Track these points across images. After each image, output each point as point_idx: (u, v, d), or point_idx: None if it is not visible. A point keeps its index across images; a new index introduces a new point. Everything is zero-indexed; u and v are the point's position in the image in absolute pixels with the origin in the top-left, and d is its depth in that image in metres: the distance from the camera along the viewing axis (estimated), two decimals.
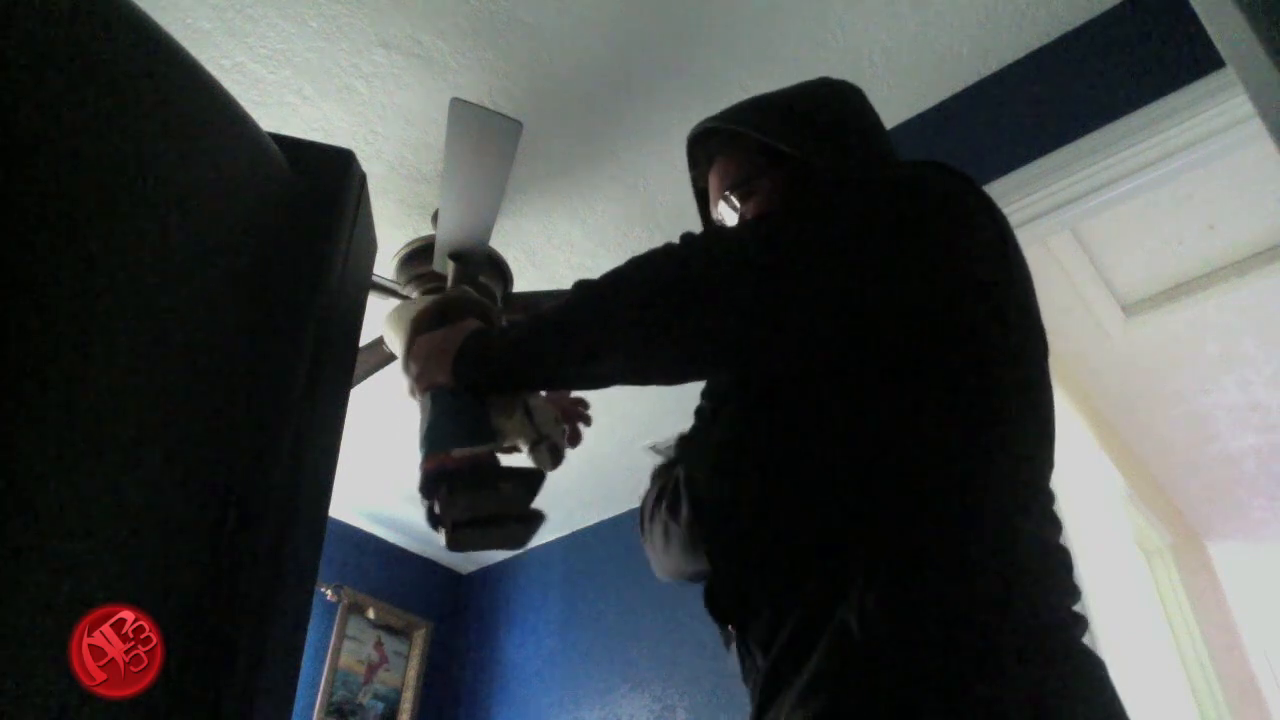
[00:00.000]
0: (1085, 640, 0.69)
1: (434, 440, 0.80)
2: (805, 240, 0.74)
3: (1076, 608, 0.70)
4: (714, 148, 0.97)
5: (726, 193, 0.93)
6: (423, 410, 0.83)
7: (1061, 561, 0.71)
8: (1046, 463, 0.78)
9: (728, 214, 0.93)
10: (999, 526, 0.68)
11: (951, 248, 0.75)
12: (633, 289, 0.77)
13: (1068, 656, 0.65)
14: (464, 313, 0.88)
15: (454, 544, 0.77)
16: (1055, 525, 0.74)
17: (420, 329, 0.87)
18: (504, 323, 0.92)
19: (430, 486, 0.79)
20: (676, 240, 0.80)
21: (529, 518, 0.81)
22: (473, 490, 0.78)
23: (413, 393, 0.86)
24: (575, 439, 0.94)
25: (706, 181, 1.01)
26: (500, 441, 0.84)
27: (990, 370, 0.74)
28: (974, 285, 0.75)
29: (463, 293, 0.93)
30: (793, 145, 0.88)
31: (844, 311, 0.72)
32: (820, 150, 0.87)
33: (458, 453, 0.78)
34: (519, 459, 0.88)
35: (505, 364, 0.81)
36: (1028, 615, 0.64)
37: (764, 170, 0.91)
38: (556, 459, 0.89)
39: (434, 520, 0.79)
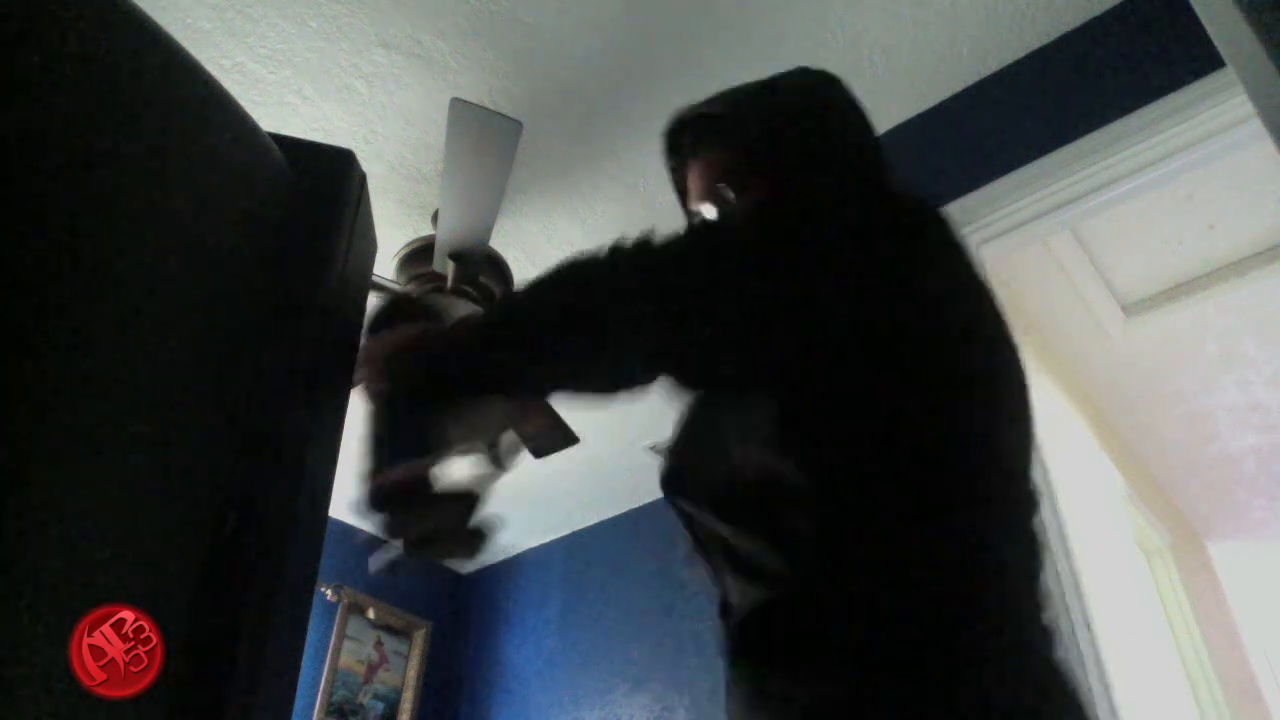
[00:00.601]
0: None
1: (371, 457, 0.78)
2: (760, 258, 0.73)
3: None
4: (697, 137, 0.96)
5: (719, 184, 0.91)
6: (368, 419, 0.81)
7: (1030, 583, 0.71)
8: (1022, 481, 0.77)
9: (710, 210, 0.92)
10: (967, 545, 0.69)
11: (902, 266, 0.74)
12: (561, 303, 0.75)
13: (1041, 677, 0.66)
14: (411, 315, 0.86)
15: (400, 558, 0.77)
16: (1028, 541, 0.74)
17: (368, 332, 0.84)
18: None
19: (369, 506, 0.76)
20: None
21: (469, 536, 0.78)
22: (407, 511, 0.76)
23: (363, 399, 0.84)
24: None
25: (684, 172, 0.99)
26: (443, 452, 0.81)
27: (947, 392, 0.72)
28: (927, 302, 0.74)
29: (407, 294, 0.91)
30: (772, 153, 0.87)
31: (798, 333, 0.71)
32: (800, 160, 0.87)
33: (395, 472, 0.76)
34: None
35: (441, 372, 0.79)
36: (999, 636, 0.65)
37: (748, 169, 0.90)
38: (508, 465, 0.86)
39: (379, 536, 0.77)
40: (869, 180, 0.88)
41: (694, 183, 0.96)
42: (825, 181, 0.85)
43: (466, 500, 0.78)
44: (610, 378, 0.77)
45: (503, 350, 0.77)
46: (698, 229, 0.81)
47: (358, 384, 0.83)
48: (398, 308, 0.87)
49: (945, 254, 0.78)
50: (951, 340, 0.73)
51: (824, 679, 0.65)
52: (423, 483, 0.77)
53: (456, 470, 0.83)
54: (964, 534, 0.69)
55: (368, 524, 0.77)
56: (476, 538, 0.78)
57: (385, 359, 0.79)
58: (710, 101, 0.95)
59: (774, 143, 0.89)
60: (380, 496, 0.76)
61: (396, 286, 2.14)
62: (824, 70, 0.98)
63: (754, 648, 0.71)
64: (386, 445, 0.78)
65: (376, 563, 0.77)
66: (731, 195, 0.90)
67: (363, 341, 0.84)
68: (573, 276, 0.75)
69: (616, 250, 0.76)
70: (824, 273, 0.71)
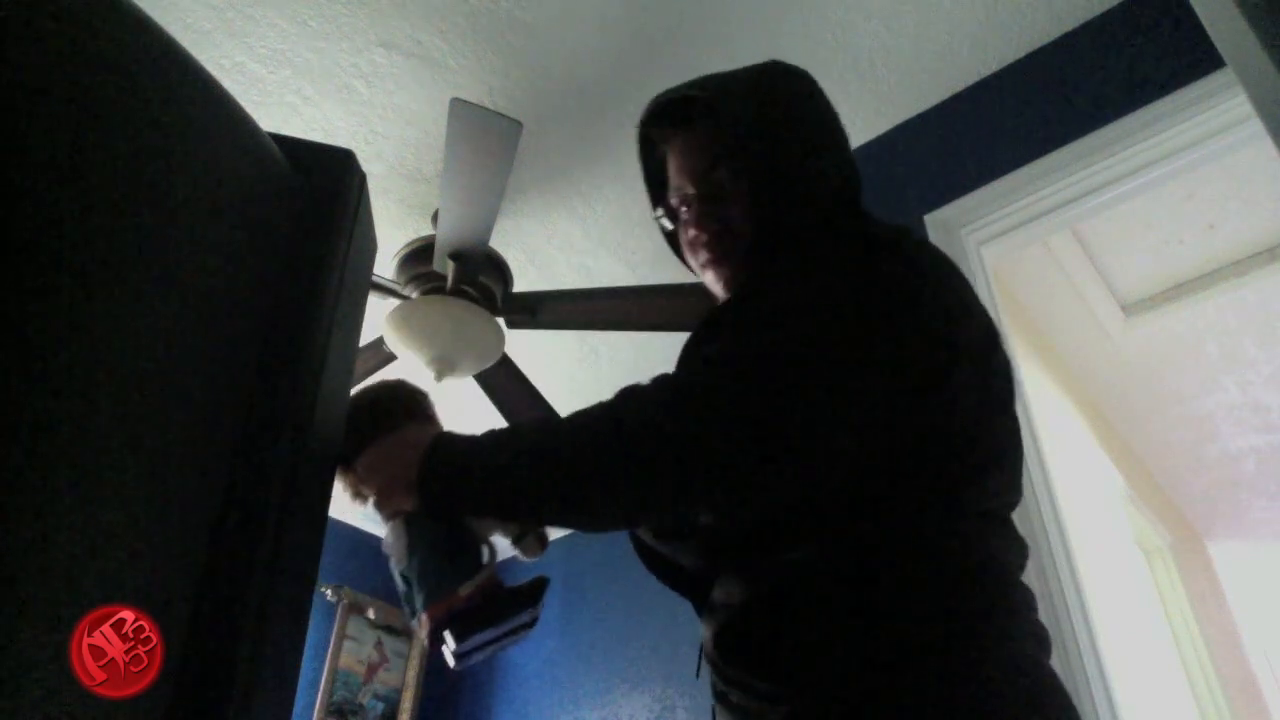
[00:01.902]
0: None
1: (433, 586, 0.78)
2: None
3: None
4: (683, 116, 0.91)
5: (712, 170, 0.87)
6: (396, 537, 0.80)
7: (1025, 601, 0.72)
8: (1009, 474, 0.78)
9: (693, 189, 0.88)
10: (960, 542, 0.69)
11: (910, 299, 0.74)
12: (611, 455, 0.70)
13: (1034, 685, 0.66)
14: (398, 412, 0.83)
15: (464, 665, 0.78)
16: (1012, 537, 0.75)
17: (358, 428, 0.81)
18: (436, 412, 0.87)
19: (442, 631, 0.76)
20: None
21: (536, 619, 0.82)
22: (490, 624, 0.78)
23: (378, 511, 0.81)
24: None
25: (654, 166, 0.96)
26: (492, 557, 0.82)
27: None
28: (930, 328, 0.74)
29: (387, 387, 0.87)
30: (765, 136, 0.85)
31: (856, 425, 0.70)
32: (793, 149, 0.85)
33: (464, 590, 0.77)
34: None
35: (480, 498, 0.76)
36: (989, 641, 0.65)
37: (727, 162, 0.87)
38: (544, 545, 0.89)
39: (447, 652, 0.78)
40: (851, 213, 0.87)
41: (677, 161, 0.91)
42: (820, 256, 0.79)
43: (535, 590, 0.82)
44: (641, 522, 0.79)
45: (542, 502, 0.76)
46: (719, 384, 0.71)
47: (371, 501, 0.81)
48: (380, 407, 0.83)
49: (934, 277, 0.78)
50: (950, 362, 0.73)
51: (808, 684, 0.66)
52: (495, 590, 0.79)
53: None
54: (956, 531, 0.70)
55: (451, 647, 0.76)
56: (539, 618, 0.82)
57: (409, 478, 0.75)
58: (693, 85, 0.90)
59: (767, 125, 0.85)
60: (456, 617, 0.76)
61: (397, 286, 2.14)
62: (795, 67, 0.94)
63: (739, 648, 0.71)
64: (443, 577, 0.78)
65: (462, 662, 0.78)
66: (727, 183, 0.86)
67: (354, 444, 0.80)
68: (610, 443, 0.70)
69: (640, 410, 0.70)
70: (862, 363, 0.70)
